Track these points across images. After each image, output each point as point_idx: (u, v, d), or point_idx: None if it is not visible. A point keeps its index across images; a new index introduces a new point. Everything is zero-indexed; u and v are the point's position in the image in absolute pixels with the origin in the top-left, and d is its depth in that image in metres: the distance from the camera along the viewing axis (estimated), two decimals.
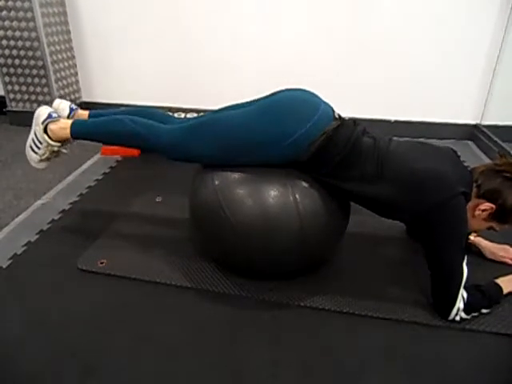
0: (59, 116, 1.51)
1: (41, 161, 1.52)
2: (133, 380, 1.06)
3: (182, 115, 2.39)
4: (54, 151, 1.51)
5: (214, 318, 1.25)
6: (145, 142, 1.37)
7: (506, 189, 1.21)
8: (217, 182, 1.29)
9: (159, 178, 2.12)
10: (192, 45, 2.75)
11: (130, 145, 1.46)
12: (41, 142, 1.48)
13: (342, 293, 1.34)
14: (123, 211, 1.80)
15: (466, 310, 1.20)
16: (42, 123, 1.45)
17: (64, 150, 1.55)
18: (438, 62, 2.56)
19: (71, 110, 1.62)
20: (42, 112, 1.47)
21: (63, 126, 1.45)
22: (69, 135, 1.45)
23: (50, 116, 1.46)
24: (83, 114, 1.62)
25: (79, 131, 1.45)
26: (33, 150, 1.50)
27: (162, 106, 2.77)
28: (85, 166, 2.28)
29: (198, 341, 1.18)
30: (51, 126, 1.45)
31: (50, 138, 1.46)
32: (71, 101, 2.91)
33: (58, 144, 1.49)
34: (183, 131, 1.33)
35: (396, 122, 2.73)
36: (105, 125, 1.43)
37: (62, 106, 1.62)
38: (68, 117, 1.61)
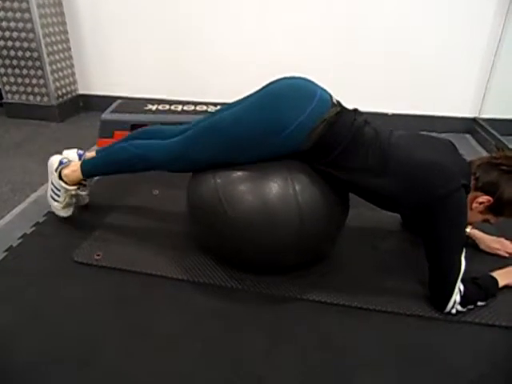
0: (69, 161, 1.58)
1: (63, 207, 1.60)
2: (129, 372, 1.06)
3: (179, 107, 2.38)
4: (72, 195, 1.59)
5: (212, 312, 1.25)
6: (150, 162, 1.40)
7: (503, 182, 1.21)
8: (217, 178, 1.28)
9: (155, 171, 2.10)
10: (190, 37, 2.73)
11: (138, 168, 1.45)
12: (59, 190, 1.57)
13: (340, 286, 1.35)
14: (119, 204, 1.79)
15: (462, 303, 1.21)
16: (56, 171, 1.54)
17: (82, 193, 1.65)
18: (437, 55, 2.55)
19: (80, 156, 1.69)
20: (54, 161, 1.57)
21: (74, 169, 1.53)
22: (81, 176, 1.52)
23: (61, 163, 1.55)
24: (92, 155, 1.67)
25: (89, 169, 1.53)
26: (54, 199, 1.59)
27: (160, 98, 2.75)
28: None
29: (196, 334, 1.18)
30: (64, 172, 1.54)
31: (65, 183, 1.54)
32: (68, 93, 2.90)
33: (75, 187, 1.57)
34: (184, 142, 1.33)
35: (393, 115, 2.73)
36: (110, 156, 1.49)
37: (71, 156, 1.68)
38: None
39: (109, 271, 1.39)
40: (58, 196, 1.57)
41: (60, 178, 1.54)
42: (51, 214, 1.71)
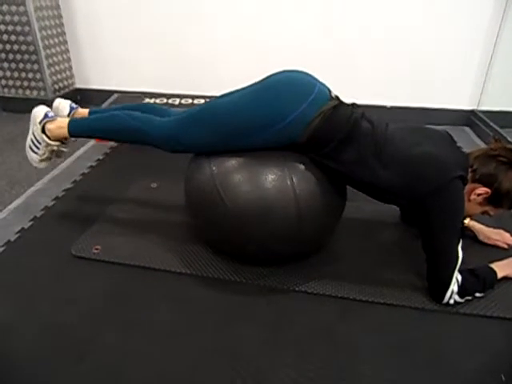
0: (56, 115, 1.52)
1: (41, 161, 1.53)
2: (128, 365, 1.06)
3: (177, 101, 2.37)
4: (53, 150, 1.52)
5: (210, 304, 1.25)
6: (143, 136, 1.36)
7: (501, 173, 1.21)
8: (214, 168, 1.27)
9: (154, 163, 2.09)
10: (188, 30, 2.71)
11: (128, 140, 1.44)
12: (40, 142, 1.48)
13: (337, 277, 1.35)
14: (118, 197, 1.79)
15: (459, 293, 1.21)
16: (40, 123, 1.46)
17: (63, 149, 1.56)
18: (436, 48, 2.54)
19: (71, 108, 1.63)
20: (39, 112, 1.48)
21: (61, 125, 1.46)
22: (67, 134, 1.46)
23: (46, 115, 1.47)
24: (83, 112, 1.63)
25: (77, 129, 1.46)
26: (32, 151, 1.51)
27: (157, 92, 2.74)
28: (79, 153, 2.25)
29: (194, 326, 1.18)
30: (49, 126, 1.46)
31: (48, 137, 1.47)
32: (65, 87, 2.88)
33: (57, 143, 1.49)
34: (180, 122, 1.32)
35: (392, 107, 2.72)
36: (102, 121, 1.44)
37: (63, 104, 1.63)
38: (68, 115, 1.62)
39: (107, 265, 1.39)
40: (38, 148, 1.49)
41: (43, 131, 1.46)
42: (49, 209, 1.71)
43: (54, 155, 1.56)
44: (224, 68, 2.75)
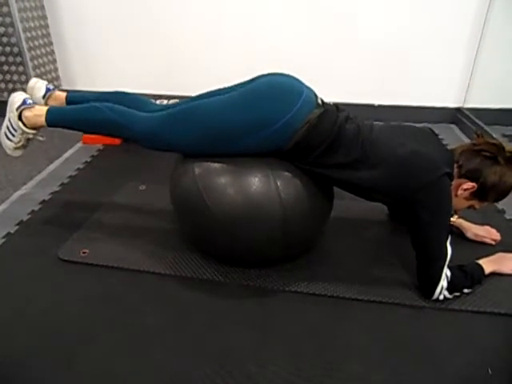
0: (34, 102, 1.46)
1: (16, 148, 1.48)
2: (116, 367, 1.05)
3: (165, 102, 2.35)
4: (29, 138, 1.47)
5: (199, 305, 1.25)
6: (123, 130, 1.33)
7: (486, 167, 1.23)
8: (197, 171, 1.27)
9: (142, 166, 2.09)
10: (175, 30, 2.70)
11: (107, 133, 1.41)
12: (15, 130, 1.43)
13: (327, 277, 1.35)
14: (106, 200, 1.77)
15: (449, 289, 1.22)
16: (17, 110, 1.40)
17: (40, 138, 1.51)
18: (421, 46, 2.56)
19: (47, 90, 1.57)
20: (17, 98, 1.42)
21: (38, 114, 1.40)
22: (44, 123, 1.41)
23: (24, 102, 1.41)
24: (60, 95, 1.57)
25: (55, 119, 1.41)
26: (7, 138, 1.46)
27: (144, 93, 2.71)
28: (65, 156, 2.23)
29: (183, 328, 1.17)
30: (26, 113, 1.41)
31: (24, 125, 1.42)
32: None
33: (33, 131, 1.44)
34: (162, 119, 1.29)
35: (380, 106, 2.74)
36: (81, 113, 1.39)
37: (39, 85, 1.57)
38: (43, 97, 1.56)
39: (95, 268, 1.38)
40: (13, 136, 1.44)
41: (19, 118, 1.41)
42: (36, 213, 1.69)
43: (30, 143, 1.50)
44: (211, 69, 2.74)
